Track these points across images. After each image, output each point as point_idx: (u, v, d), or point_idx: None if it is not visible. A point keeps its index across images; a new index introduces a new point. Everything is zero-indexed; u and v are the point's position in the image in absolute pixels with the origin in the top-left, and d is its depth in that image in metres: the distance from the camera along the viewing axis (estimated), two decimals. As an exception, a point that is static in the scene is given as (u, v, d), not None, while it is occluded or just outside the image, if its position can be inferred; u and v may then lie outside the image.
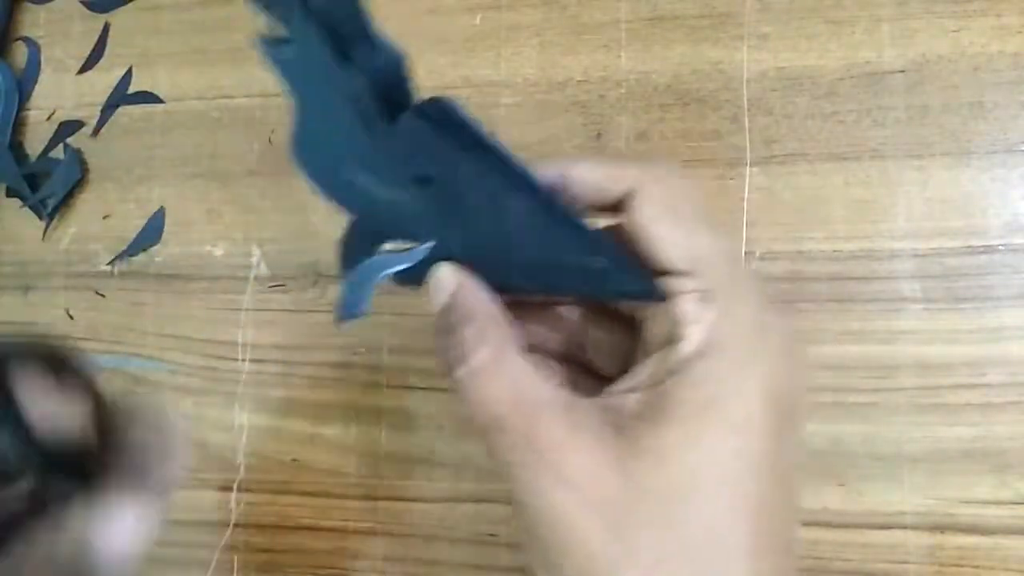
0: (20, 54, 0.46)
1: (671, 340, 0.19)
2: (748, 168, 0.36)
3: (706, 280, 0.19)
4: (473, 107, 0.39)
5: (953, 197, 0.34)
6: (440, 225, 0.22)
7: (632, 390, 0.20)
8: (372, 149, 0.20)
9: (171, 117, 0.43)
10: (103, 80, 0.44)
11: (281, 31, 0.20)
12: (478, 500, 0.37)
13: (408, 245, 0.23)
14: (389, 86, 0.19)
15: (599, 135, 0.38)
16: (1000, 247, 0.34)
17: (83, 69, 0.45)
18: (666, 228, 0.20)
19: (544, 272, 0.21)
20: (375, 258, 0.23)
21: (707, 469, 0.18)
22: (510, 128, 0.39)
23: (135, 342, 0.42)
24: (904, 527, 0.33)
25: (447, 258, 0.22)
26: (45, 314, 0.44)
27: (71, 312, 0.44)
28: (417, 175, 0.21)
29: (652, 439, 0.18)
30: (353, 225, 0.24)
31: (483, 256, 0.22)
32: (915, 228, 0.34)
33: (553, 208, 0.20)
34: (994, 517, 0.33)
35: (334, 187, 0.23)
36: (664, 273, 0.20)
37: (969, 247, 0.34)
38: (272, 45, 0.20)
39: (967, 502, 0.33)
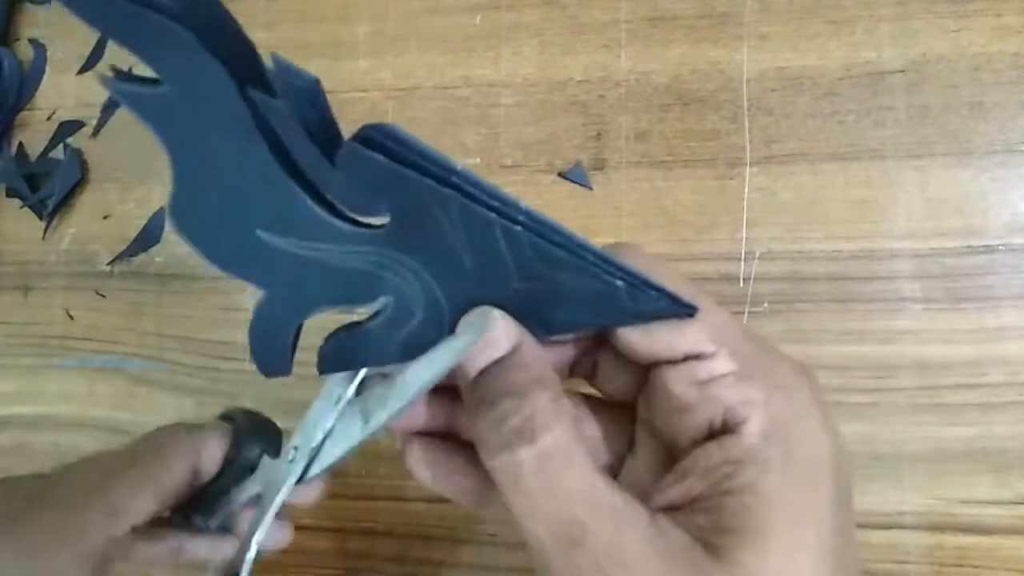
0: (22, 54, 0.46)
1: (723, 428, 0.17)
2: (748, 168, 0.36)
3: (737, 356, 0.17)
4: (473, 107, 0.39)
5: (953, 197, 0.34)
6: (398, 275, 0.18)
7: (692, 491, 0.17)
8: (288, 201, 0.17)
9: (171, 117, 0.43)
10: (103, 80, 0.44)
11: (146, 71, 0.16)
12: (478, 500, 0.37)
13: (359, 313, 0.19)
14: (308, 117, 0.16)
15: (599, 135, 0.38)
16: (1000, 247, 0.34)
17: (83, 69, 0.45)
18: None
19: (543, 307, 0.18)
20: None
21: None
22: (510, 128, 0.39)
23: (135, 342, 0.42)
24: (904, 527, 0.33)
25: (408, 315, 0.19)
26: (45, 314, 0.44)
27: (71, 312, 0.44)
28: (366, 215, 0.17)
29: (751, 555, 0.15)
30: (267, 300, 0.19)
31: (459, 303, 0.18)
32: (915, 228, 0.34)
33: (546, 230, 0.17)
34: (994, 517, 0.33)
35: (236, 257, 0.19)
36: (690, 358, 0.17)
37: (969, 247, 0.34)
38: (135, 86, 0.16)
39: (967, 502, 0.33)
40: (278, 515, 0.26)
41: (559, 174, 0.38)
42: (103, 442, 0.43)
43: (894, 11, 0.35)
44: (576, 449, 0.16)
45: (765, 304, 0.35)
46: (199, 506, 0.28)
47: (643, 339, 0.18)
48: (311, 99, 0.15)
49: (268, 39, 0.42)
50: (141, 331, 0.42)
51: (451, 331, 0.19)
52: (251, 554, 0.24)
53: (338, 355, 0.20)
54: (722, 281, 0.35)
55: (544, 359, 0.18)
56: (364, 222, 0.18)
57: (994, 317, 0.33)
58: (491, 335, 0.18)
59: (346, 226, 0.18)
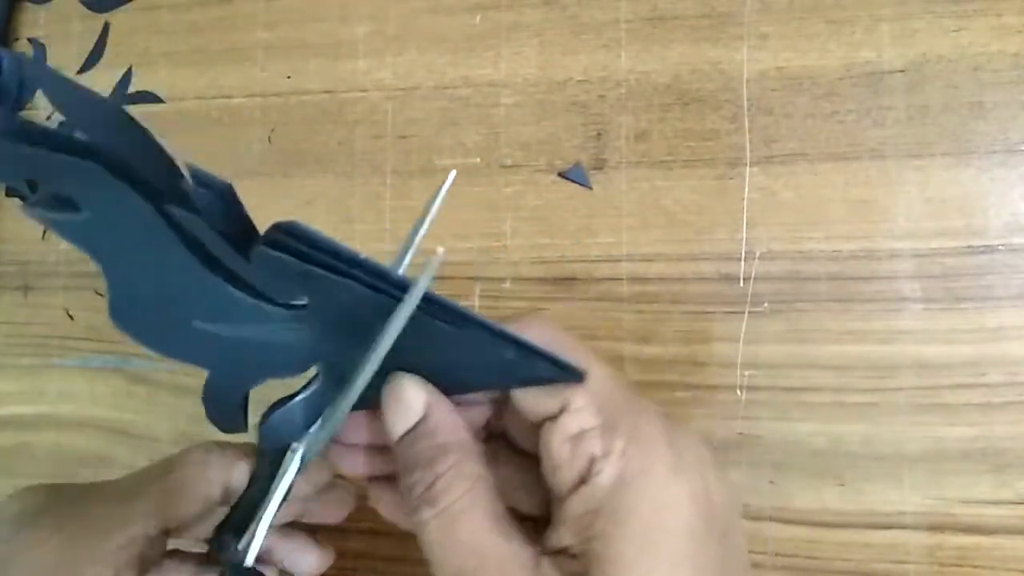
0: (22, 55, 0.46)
1: (584, 479, 0.19)
2: (748, 168, 0.36)
3: (605, 410, 0.19)
4: (473, 107, 0.39)
5: (953, 197, 0.34)
6: (324, 343, 0.20)
7: (562, 544, 0.19)
8: (215, 294, 0.19)
9: (171, 117, 0.43)
10: (103, 80, 0.44)
11: (58, 196, 0.17)
12: (478, 500, 0.37)
13: (294, 389, 0.22)
14: (225, 219, 0.17)
15: (599, 135, 0.38)
16: (1000, 247, 0.34)
17: (83, 69, 0.45)
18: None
19: (449, 373, 0.20)
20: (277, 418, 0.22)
21: None
22: (510, 128, 0.39)
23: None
24: (904, 527, 0.33)
25: (339, 375, 0.21)
26: (45, 314, 0.44)
27: (71, 312, 0.44)
28: (287, 299, 0.19)
29: None
30: (213, 377, 0.22)
31: (380, 368, 0.20)
32: (915, 228, 0.34)
33: (446, 312, 0.19)
34: (994, 517, 0.33)
35: (177, 346, 0.21)
36: (560, 411, 0.19)
37: (969, 247, 0.34)
38: (58, 214, 0.18)
39: (967, 502, 0.33)
40: (316, 537, 0.28)
41: (559, 174, 0.38)
42: (103, 442, 0.43)
43: (894, 11, 0.35)
44: (473, 505, 0.19)
45: (765, 304, 0.35)
46: (229, 526, 0.28)
47: (529, 399, 0.20)
48: (226, 203, 0.17)
49: (268, 39, 0.42)
50: (141, 331, 0.42)
51: (375, 393, 0.21)
52: (255, 542, 0.24)
53: (278, 429, 0.22)
54: (722, 281, 0.35)
55: (452, 422, 0.20)
56: (287, 303, 0.20)
57: (994, 317, 0.33)
58: (406, 403, 0.20)
59: (271, 307, 0.19)
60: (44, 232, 0.44)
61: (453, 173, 0.23)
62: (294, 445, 0.23)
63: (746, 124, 0.36)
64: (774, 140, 0.36)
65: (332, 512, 0.29)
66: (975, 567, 0.33)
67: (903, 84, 0.35)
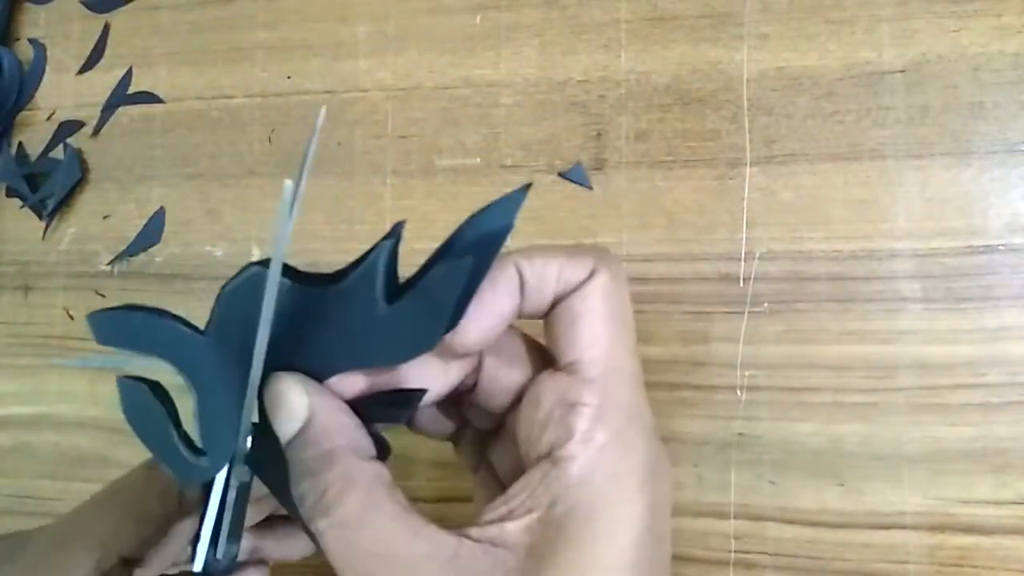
0: (22, 54, 0.46)
1: (553, 455, 0.18)
2: (748, 168, 0.36)
3: (609, 396, 0.19)
4: (473, 107, 0.39)
5: (953, 197, 0.34)
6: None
7: (514, 515, 0.18)
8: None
9: (171, 117, 0.43)
10: (103, 80, 0.44)
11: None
12: (478, 500, 0.37)
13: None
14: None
15: (599, 135, 0.38)
16: (1000, 247, 0.34)
17: (83, 69, 0.45)
18: (598, 327, 0.19)
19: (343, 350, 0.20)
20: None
21: None
22: (510, 128, 0.39)
23: (135, 342, 0.42)
24: (904, 527, 0.33)
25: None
26: (45, 314, 0.44)
27: (71, 312, 0.44)
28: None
29: None
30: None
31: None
32: (915, 228, 0.34)
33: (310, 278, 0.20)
34: (994, 517, 0.33)
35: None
36: (570, 370, 0.19)
37: (969, 247, 0.34)
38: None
39: (967, 502, 0.33)
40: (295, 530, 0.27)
41: (559, 174, 0.38)
42: (103, 442, 0.43)
43: (894, 11, 0.35)
44: (370, 509, 0.18)
45: (765, 304, 0.35)
46: (199, 538, 0.27)
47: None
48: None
49: (268, 39, 0.42)
50: (141, 331, 0.42)
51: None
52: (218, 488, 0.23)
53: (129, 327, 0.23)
54: (722, 281, 0.35)
55: (338, 423, 0.19)
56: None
57: (994, 317, 0.33)
58: (288, 407, 0.20)
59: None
60: (44, 232, 0.44)
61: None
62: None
63: (746, 124, 0.36)
64: (774, 140, 0.36)
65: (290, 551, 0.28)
66: (975, 567, 0.33)
67: (903, 84, 0.35)
